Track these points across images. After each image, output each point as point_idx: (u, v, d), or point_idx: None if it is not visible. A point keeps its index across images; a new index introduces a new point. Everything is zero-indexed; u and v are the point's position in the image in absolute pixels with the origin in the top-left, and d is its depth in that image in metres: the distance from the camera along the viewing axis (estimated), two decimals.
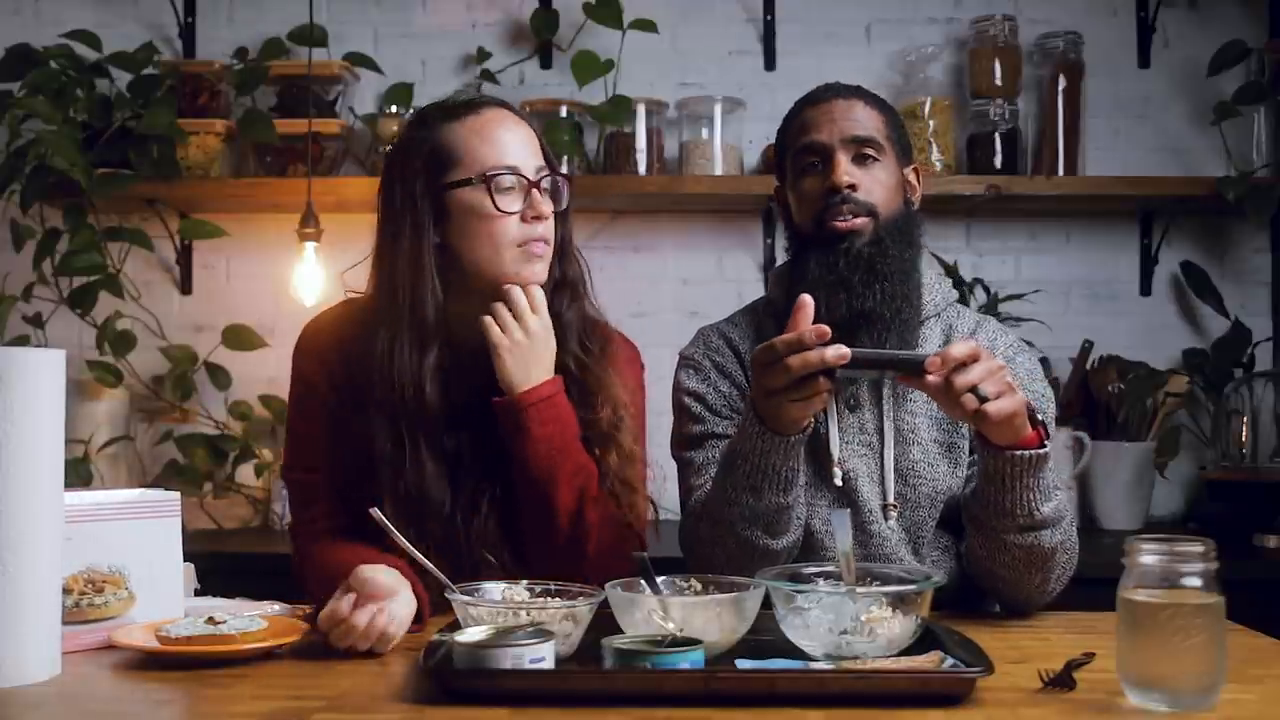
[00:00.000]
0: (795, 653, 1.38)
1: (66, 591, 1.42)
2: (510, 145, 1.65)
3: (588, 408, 1.68)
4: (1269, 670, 1.38)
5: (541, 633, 1.29)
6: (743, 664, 1.35)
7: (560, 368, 1.68)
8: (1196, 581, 1.19)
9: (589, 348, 1.72)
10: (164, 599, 1.53)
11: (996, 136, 3.03)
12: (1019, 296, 3.08)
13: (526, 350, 1.63)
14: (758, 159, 3.15)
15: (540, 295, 1.66)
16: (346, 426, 1.66)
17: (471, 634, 1.30)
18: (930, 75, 3.13)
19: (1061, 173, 3.02)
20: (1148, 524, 2.95)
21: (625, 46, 3.05)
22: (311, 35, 2.99)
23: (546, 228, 1.66)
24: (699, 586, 1.49)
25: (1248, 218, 2.95)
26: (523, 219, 1.64)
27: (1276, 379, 2.99)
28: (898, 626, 1.36)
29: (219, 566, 1.91)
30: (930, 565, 1.74)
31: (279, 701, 1.24)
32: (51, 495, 1.34)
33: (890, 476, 1.76)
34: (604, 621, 1.41)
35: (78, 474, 2.87)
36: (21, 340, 2.98)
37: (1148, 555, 1.20)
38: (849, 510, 1.71)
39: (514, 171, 1.63)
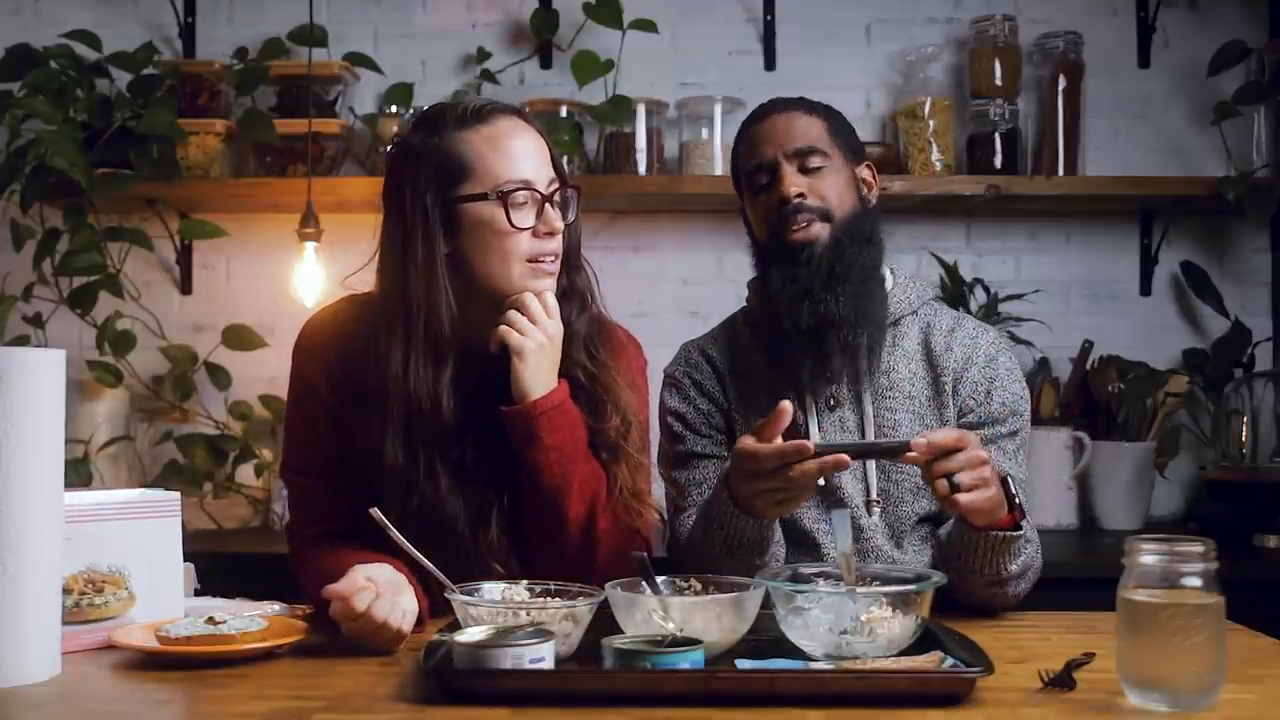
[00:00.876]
0: (795, 653, 1.38)
1: (66, 591, 1.42)
2: (524, 158, 1.63)
3: (596, 417, 1.67)
4: (1269, 670, 1.38)
5: (541, 633, 1.29)
6: (743, 664, 1.35)
7: (569, 377, 1.67)
8: (1196, 581, 1.19)
9: (596, 356, 1.71)
10: (164, 599, 1.53)
11: (996, 136, 3.03)
12: (1019, 296, 3.08)
13: (545, 355, 1.63)
14: None
15: (553, 300, 1.65)
16: (346, 426, 1.65)
17: (471, 634, 1.31)
18: (930, 75, 3.12)
19: (1061, 173, 3.01)
20: (1148, 524, 2.95)
21: (625, 46, 3.05)
22: (311, 35, 2.99)
23: (557, 242, 1.66)
24: (699, 586, 1.49)
25: (1248, 218, 2.95)
26: (534, 234, 1.63)
27: (1276, 379, 2.99)
28: (898, 626, 1.36)
29: (219, 566, 1.91)
30: (912, 555, 1.76)
31: (279, 701, 1.24)
32: (51, 495, 1.34)
33: (873, 473, 1.78)
34: (604, 621, 1.41)
35: (78, 474, 2.86)
36: (21, 340, 2.98)
37: (1148, 555, 1.20)
38: (849, 510, 1.72)
39: (528, 186, 1.62)
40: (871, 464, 1.77)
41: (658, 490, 1.80)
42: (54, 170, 2.82)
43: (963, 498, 1.48)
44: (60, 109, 2.87)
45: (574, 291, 1.72)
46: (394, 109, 3.08)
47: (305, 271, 2.96)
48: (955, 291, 3.00)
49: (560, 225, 1.65)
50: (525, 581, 1.51)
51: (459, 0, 3.22)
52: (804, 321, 1.74)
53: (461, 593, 1.43)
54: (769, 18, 3.20)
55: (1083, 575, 1.70)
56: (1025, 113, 3.10)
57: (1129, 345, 3.08)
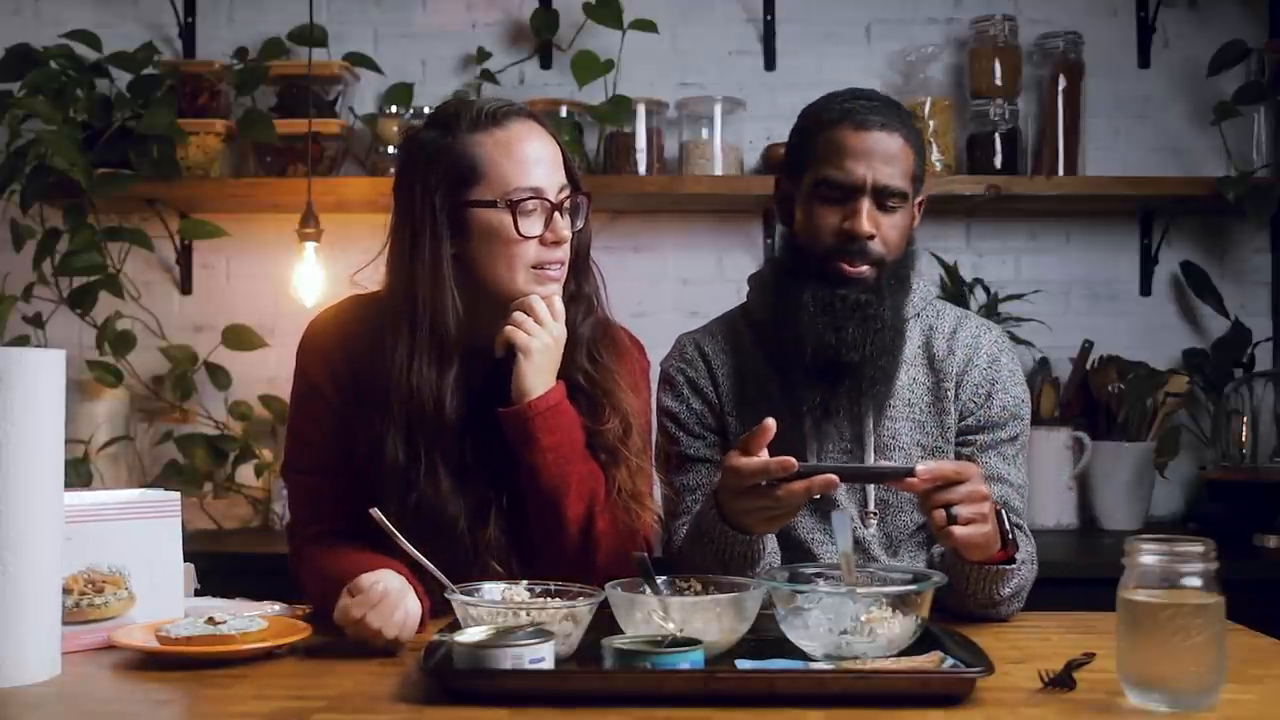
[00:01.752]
0: (795, 653, 1.38)
1: (66, 591, 1.42)
2: (535, 165, 1.62)
3: (595, 419, 1.67)
4: (1269, 670, 1.38)
5: (541, 633, 1.29)
6: (743, 664, 1.35)
7: (569, 380, 1.67)
8: (1196, 581, 1.19)
9: (599, 359, 1.71)
10: (164, 599, 1.53)
11: (996, 136, 3.03)
12: (1019, 296, 3.08)
13: (548, 356, 1.63)
14: (758, 159, 3.15)
15: (560, 304, 1.65)
16: (350, 425, 1.65)
17: (471, 634, 1.31)
18: (930, 75, 3.12)
19: (1061, 173, 3.01)
20: (1148, 524, 2.95)
21: (625, 46, 3.05)
22: (311, 35, 2.99)
23: (564, 250, 1.65)
24: (699, 586, 1.49)
25: (1248, 218, 2.95)
26: (541, 242, 1.62)
27: (1276, 379, 2.99)
28: (898, 626, 1.36)
29: (219, 566, 1.91)
30: (908, 559, 1.75)
31: (279, 701, 1.24)
32: (51, 495, 1.34)
33: (870, 486, 1.76)
34: (604, 621, 1.41)
35: (78, 474, 2.86)
36: (21, 340, 2.98)
37: (1148, 555, 1.20)
38: (849, 511, 1.71)
39: (537, 195, 1.61)
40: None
41: (658, 492, 1.80)
42: (54, 170, 2.82)
43: (959, 531, 1.46)
44: (60, 109, 2.87)
45: (580, 295, 1.72)
46: (394, 109, 3.08)
47: (305, 271, 2.96)
48: (955, 291, 3.01)
49: (568, 234, 1.65)
50: (525, 581, 1.51)
51: (459, 0, 3.22)
52: (824, 357, 1.71)
53: (461, 593, 1.43)
54: (769, 18, 3.19)
55: (1083, 575, 1.70)
56: (1025, 113, 3.10)
57: (1129, 345, 3.08)
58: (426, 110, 2.99)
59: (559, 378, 1.65)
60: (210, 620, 1.42)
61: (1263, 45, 3.06)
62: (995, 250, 3.21)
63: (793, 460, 1.44)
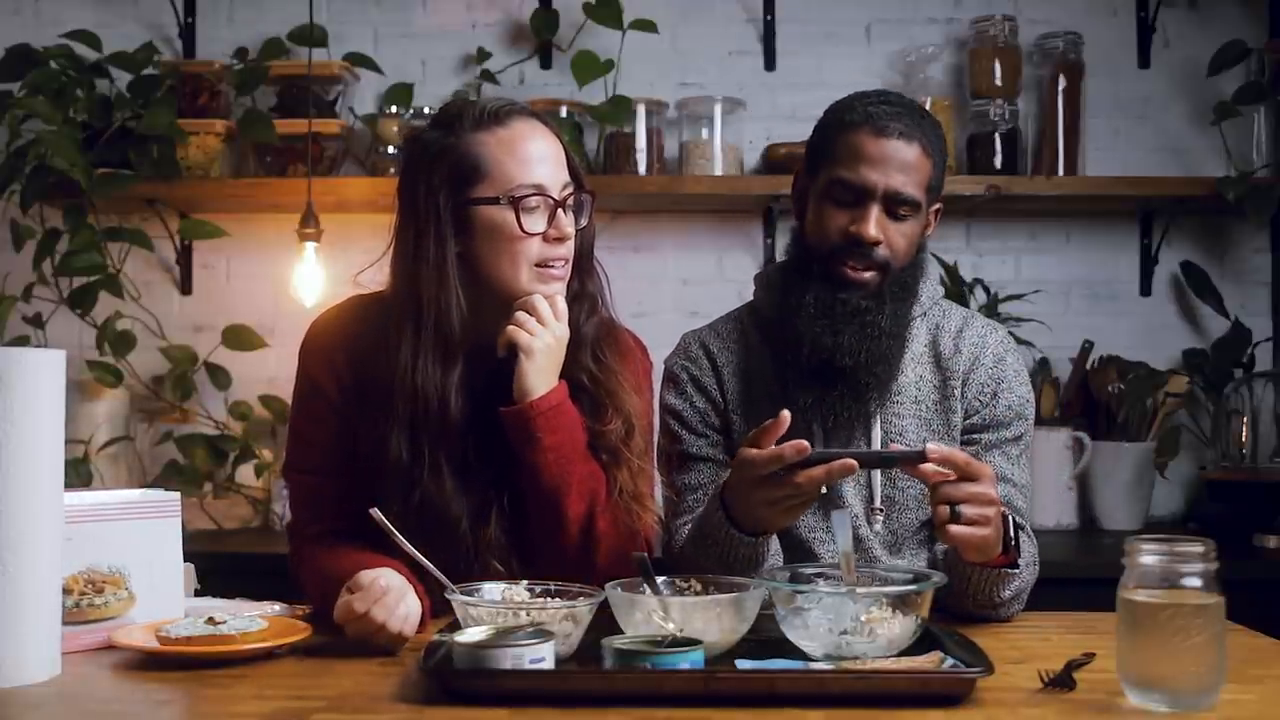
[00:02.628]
0: (795, 653, 1.38)
1: (66, 591, 1.42)
2: (538, 162, 1.63)
3: (597, 420, 1.67)
4: (1269, 670, 1.39)
5: (541, 633, 1.29)
6: (743, 664, 1.35)
7: (572, 380, 1.67)
8: (1196, 581, 1.19)
9: (602, 360, 1.71)
10: (164, 599, 1.53)
11: (996, 136, 3.03)
12: (1019, 296, 3.08)
13: (551, 356, 1.63)
14: (758, 159, 3.15)
15: (563, 304, 1.65)
16: (352, 426, 1.66)
17: (471, 634, 1.31)
18: (930, 75, 3.12)
19: (1061, 173, 3.02)
20: (1148, 524, 2.95)
21: (625, 46, 3.05)
22: (311, 35, 2.99)
23: (568, 247, 1.65)
24: (699, 587, 1.49)
25: (1248, 218, 2.95)
26: (545, 239, 1.63)
27: (1276, 379, 2.99)
28: (898, 627, 1.36)
29: (219, 566, 1.91)
30: (910, 558, 1.75)
31: (279, 701, 1.24)
32: (51, 495, 1.34)
33: (878, 479, 1.76)
34: (604, 621, 1.41)
35: (78, 474, 2.86)
36: (21, 340, 2.98)
37: (1148, 555, 1.20)
38: (850, 511, 1.71)
39: (540, 192, 1.61)
40: (877, 473, 1.75)
41: (659, 493, 1.80)
42: (54, 170, 2.82)
43: (957, 529, 1.45)
44: (60, 109, 2.87)
45: (584, 295, 1.72)
46: (394, 109, 3.09)
47: (305, 271, 2.96)
48: (955, 291, 3.00)
49: (571, 231, 1.65)
50: (525, 581, 1.51)
51: (459, 0, 3.22)
52: (820, 358, 1.72)
53: (461, 593, 1.43)
54: (769, 18, 3.19)
55: (1083, 575, 1.70)
56: (1025, 113, 3.10)
57: (1129, 345, 3.08)
58: (427, 110, 3.00)
59: (562, 377, 1.65)
60: (210, 620, 1.42)
61: (1263, 45, 3.06)
62: (995, 250, 3.21)
63: (806, 444, 1.43)
